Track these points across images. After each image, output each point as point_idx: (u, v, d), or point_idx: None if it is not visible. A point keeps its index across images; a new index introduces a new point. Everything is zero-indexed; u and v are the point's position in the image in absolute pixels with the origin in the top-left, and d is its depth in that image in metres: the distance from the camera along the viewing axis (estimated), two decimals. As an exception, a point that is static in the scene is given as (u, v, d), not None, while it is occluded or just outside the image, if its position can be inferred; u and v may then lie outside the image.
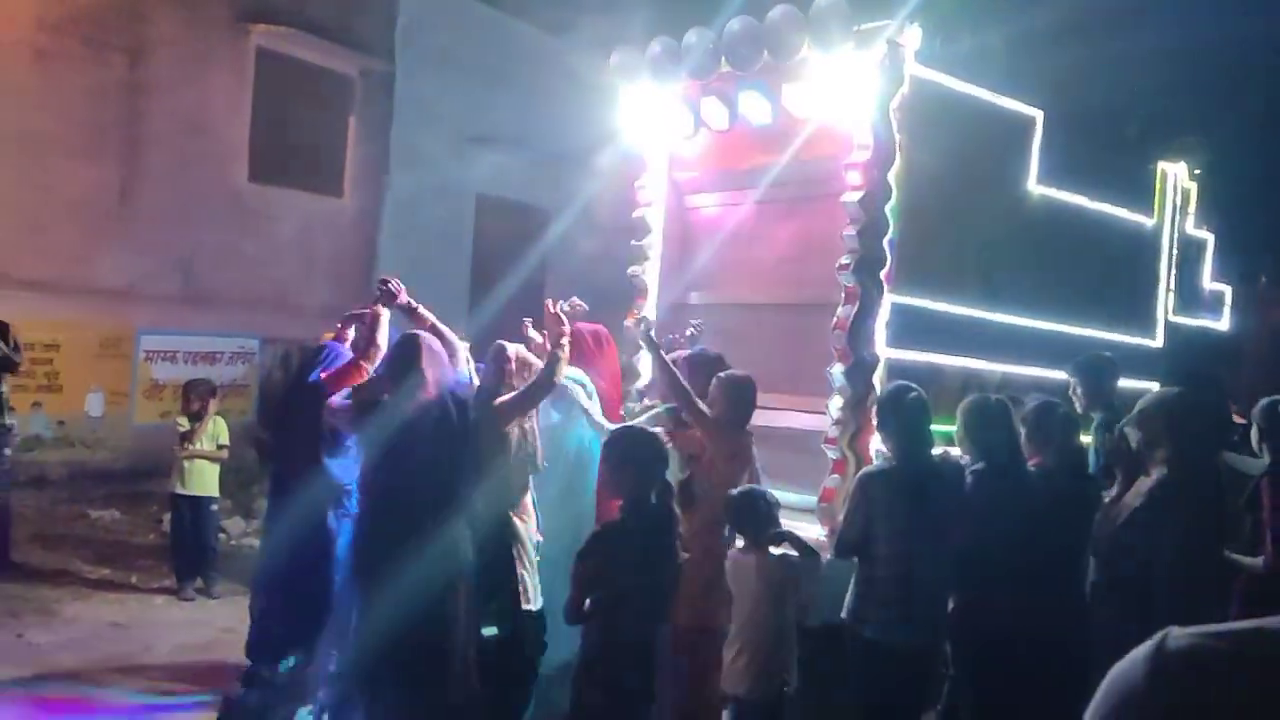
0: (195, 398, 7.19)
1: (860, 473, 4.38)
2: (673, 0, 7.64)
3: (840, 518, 4.43)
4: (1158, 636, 0.60)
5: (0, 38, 9.53)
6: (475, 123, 13.09)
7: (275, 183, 11.84)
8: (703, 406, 4.58)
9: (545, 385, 4.52)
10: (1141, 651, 0.60)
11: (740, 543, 4.23)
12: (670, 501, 3.84)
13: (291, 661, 4.99)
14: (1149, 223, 7.24)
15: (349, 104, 12.68)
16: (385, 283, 4.87)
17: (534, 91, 13.15)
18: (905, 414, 4.16)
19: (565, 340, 4.61)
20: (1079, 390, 5.38)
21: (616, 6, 10.57)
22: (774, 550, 4.18)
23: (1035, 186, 6.27)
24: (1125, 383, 6.64)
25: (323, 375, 4.83)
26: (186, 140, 10.87)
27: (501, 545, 4.40)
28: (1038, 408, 4.51)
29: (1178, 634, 0.60)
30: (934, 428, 4.37)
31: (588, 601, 3.69)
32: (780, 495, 4.65)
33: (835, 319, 5.30)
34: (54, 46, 9.86)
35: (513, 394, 4.52)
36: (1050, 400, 4.67)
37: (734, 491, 4.25)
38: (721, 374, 4.75)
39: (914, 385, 4.33)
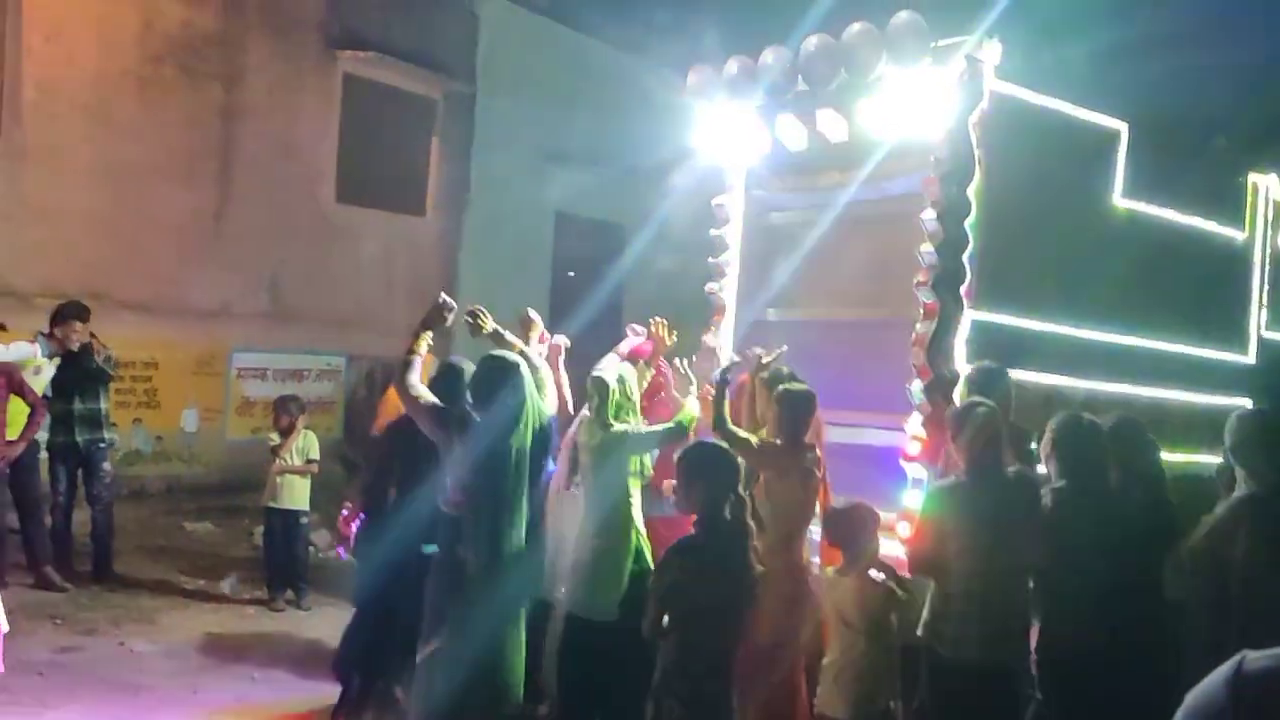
0: (285, 414, 7.41)
1: (931, 487, 4.35)
2: (748, 19, 7.68)
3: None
4: (1235, 659, 0.60)
5: (105, 68, 9.97)
6: (554, 142, 13.27)
7: (360, 203, 12.16)
8: (743, 434, 4.57)
9: (678, 435, 4.72)
10: (1220, 675, 0.59)
11: (816, 559, 4.22)
12: (744, 515, 3.84)
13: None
14: (1240, 236, 7.05)
15: (432, 125, 12.96)
16: (473, 314, 4.95)
17: (611, 110, 13.29)
18: (976, 426, 4.11)
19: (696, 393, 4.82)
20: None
21: (692, 26, 10.65)
22: (874, 575, 4.12)
23: (1120, 200, 6.15)
24: (1216, 399, 6.48)
25: None
26: (277, 163, 11.24)
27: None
28: (1118, 425, 4.44)
29: (1254, 656, 0.59)
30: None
31: (665, 617, 3.72)
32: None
33: (914, 335, 5.27)
34: (154, 76, 10.28)
35: (647, 430, 4.75)
36: (1129, 418, 4.59)
37: (838, 505, 4.24)
38: (779, 388, 4.76)
39: (985, 400, 4.30)
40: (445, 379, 4.71)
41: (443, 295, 4.57)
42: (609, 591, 4.61)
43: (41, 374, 7.23)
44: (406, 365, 4.36)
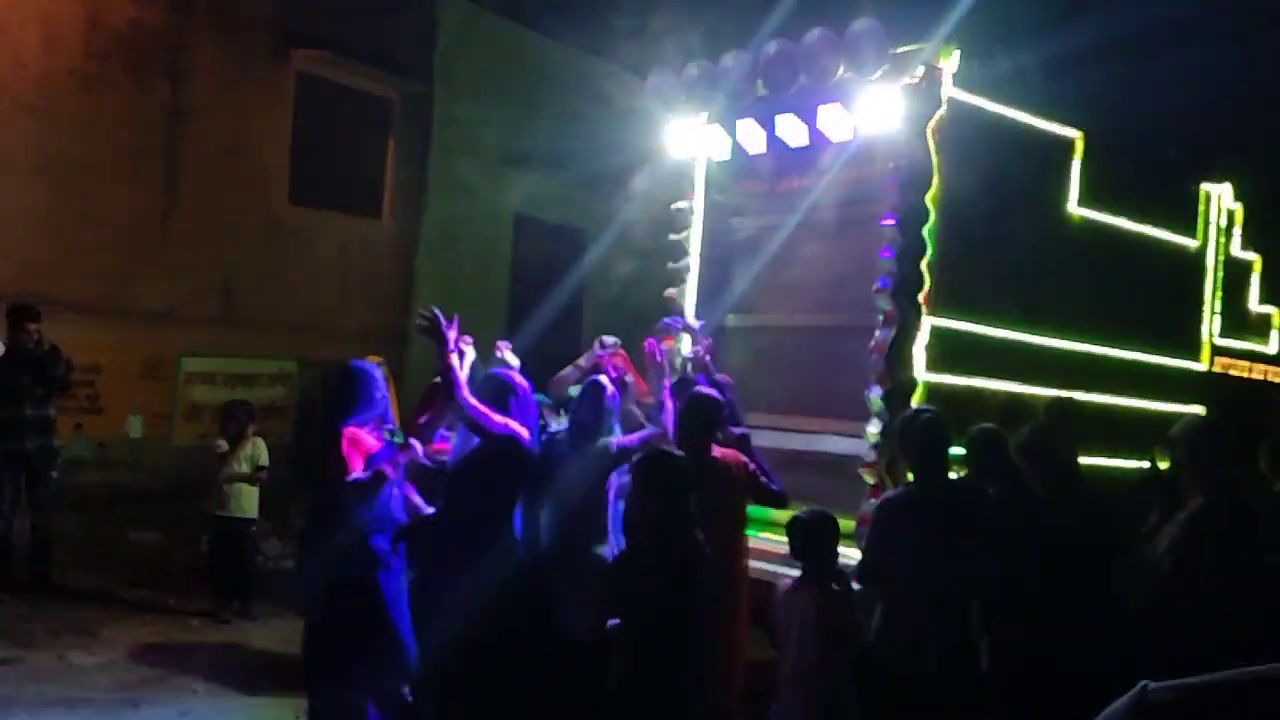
0: (235, 420, 7.26)
1: (881, 498, 4.34)
2: (709, 24, 7.65)
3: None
4: (1137, 689, 0.60)
5: (49, 66, 9.73)
6: (513, 144, 13.16)
7: (314, 205, 11.96)
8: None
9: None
10: (1123, 705, 0.60)
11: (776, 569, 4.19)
12: (687, 526, 3.79)
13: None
14: (1193, 244, 7.13)
15: (388, 126, 12.80)
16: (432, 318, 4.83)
17: (571, 113, 13.22)
18: (919, 437, 4.11)
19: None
20: None
21: (653, 30, 10.61)
22: (836, 588, 4.10)
23: (1076, 208, 6.19)
24: (1169, 406, 6.54)
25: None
26: (227, 164, 11.02)
27: None
28: (1030, 437, 4.47)
29: (1156, 688, 0.61)
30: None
31: (610, 624, 3.72)
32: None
33: (873, 342, 5.26)
34: (98, 73, 10.05)
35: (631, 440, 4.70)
36: (1038, 427, 4.63)
37: (802, 514, 4.19)
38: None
39: (929, 408, 4.31)
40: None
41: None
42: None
43: None
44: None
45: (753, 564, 4.82)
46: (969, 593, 4.05)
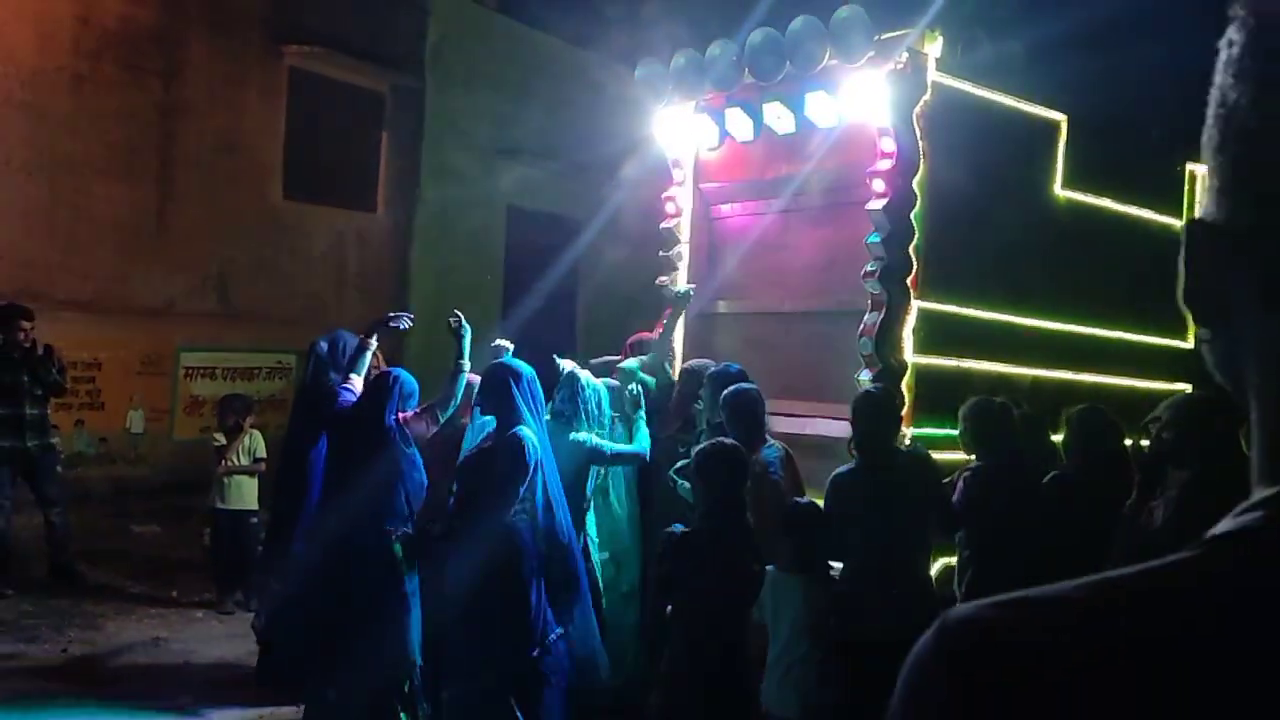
0: (231, 413, 7.32)
1: (832, 475, 4.43)
2: (696, 13, 7.70)
3: None
4: (938, 621, 0.60)
5: (41, 64, 9.75)
6: (504, 136, 13.21)
7: (309, 199, 12.01)
8: None
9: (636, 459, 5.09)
10: (926, 637, 0.60)
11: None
12: (738, 515, 3.93)
13: None
14: (1178, 224, 7.17)
15: (380, 120, 12.83)
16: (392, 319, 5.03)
17: (561, 104, 13.26)
18: (864, 411, 4.31)
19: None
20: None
21: (641, 20, 10.65)
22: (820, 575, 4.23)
23: (1061, 190, 6.25)
24: (1157, 384, 6.61)
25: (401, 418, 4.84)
26: (221, 160, 11.07)
27: None
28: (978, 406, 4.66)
29: (954, 610, 0.60)
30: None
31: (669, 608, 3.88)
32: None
33: (862, 326, 5.33)
34: (91, 71, 10.08)
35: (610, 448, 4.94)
36: (987, 400, 4.76)
37: (798, 502, 4.31)
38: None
39: (877, 384, 4.57)
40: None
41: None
42: None
43: None
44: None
45: None
46: (921, 558, 4.26)
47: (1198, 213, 0.65)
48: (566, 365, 5.19)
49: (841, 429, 5.49)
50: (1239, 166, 0.62)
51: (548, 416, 4.82)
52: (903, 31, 5.35)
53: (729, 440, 4.20)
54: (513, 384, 4.37)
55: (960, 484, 4.54)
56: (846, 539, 4.18)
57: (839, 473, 4.37)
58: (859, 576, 4.12)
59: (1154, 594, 0.57)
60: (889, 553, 4.11)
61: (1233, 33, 0.62)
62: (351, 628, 4.27)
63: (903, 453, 4.44)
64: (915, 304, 5.40)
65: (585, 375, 5.09)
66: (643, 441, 5.08)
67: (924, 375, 5.43)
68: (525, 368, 4.52)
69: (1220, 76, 0.62)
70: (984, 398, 4.76)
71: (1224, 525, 0.59)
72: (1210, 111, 0.63)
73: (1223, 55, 0.62)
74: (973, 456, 4.65)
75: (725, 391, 4.83)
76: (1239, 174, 0.62)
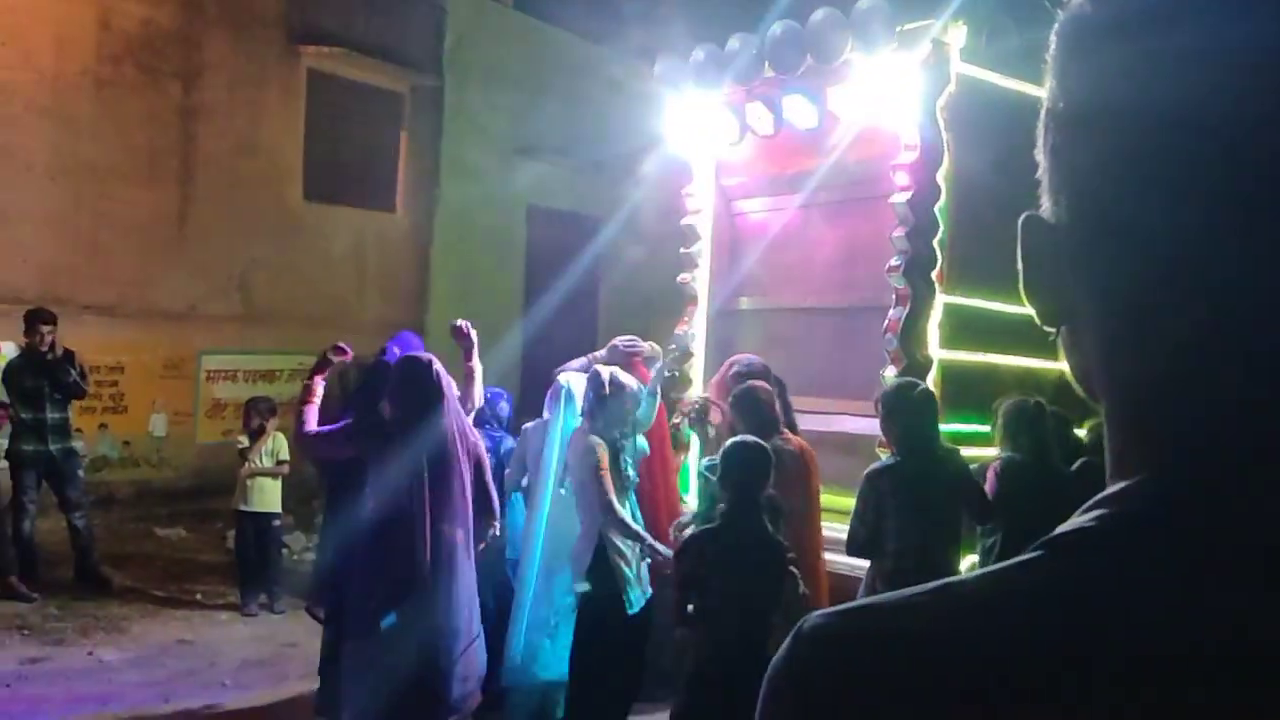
0: (255, 415, 7.32)
1: (868, 469, 4.37)
2: (715, 7, 7.63)
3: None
4: (799, 624, 0.62)
5: (62, 69, 9.80)
6: (523, 134, 13.18)
7: (329, 200, 12.02)
8: None
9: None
10: (784, 645, 0.61)
11: None
12: (758, 512, 3.89)
13: None
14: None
15: (399, 120, 12.83)
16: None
17: (580, 101, 13.22)
18: (906, 407, 4.25)
19: None
20: None
21: (659, 15, 10.59)
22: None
23: (1089, 180, 6.15)
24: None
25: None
26: (241, 162, 11.09)
27: None
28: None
29: (812, 616, 0.61)
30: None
31: (689, 606, 3.84)
32: (834, 500, 4.66)
33: (887, 321, 5.26)
34: (112, 75, 10.12)
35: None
36: (1023, 399, 4.80)
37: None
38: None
39: (918, 380, 4.50)
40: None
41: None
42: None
43: None
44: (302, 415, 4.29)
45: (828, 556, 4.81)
46: (953, 556, 4.23)
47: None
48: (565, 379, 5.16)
49: (866, 426, 5.43)
50: (1057, 162, 0.63)
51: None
52: (926, 22, 5.27)
53: (751, 438, 4.15)
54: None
55: (991, 475, 4.54)
56: (883, 534, 4.13)
57: (876, 468, 4.32)
58: (897, 572, 4.06)
59: (992, 600, 0.58)
60: (925, 549, 4.08)
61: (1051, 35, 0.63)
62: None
63: (938, 450, 4.38)
64: (940, 298, 5.32)
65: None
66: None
67: (949, 370, 5.36)
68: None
69: (1048, 73, 0.63)
70: (1021, 398, 4.73)
71: (1064, 526, 0.59)
72: (1043, 108, 0.64)
73: (1047, 57, 0.64)
74: (1004, 451, 4.64)
75: (733, 391, 4.78)
76: (1059, 171, 0.63)
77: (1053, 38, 0.63)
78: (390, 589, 3.94)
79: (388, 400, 4.18)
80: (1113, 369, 0.60)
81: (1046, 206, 0.64)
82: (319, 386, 4.38)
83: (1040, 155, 0.64)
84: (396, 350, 5.17)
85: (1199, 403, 0.56)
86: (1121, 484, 0.59)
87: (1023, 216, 0.65)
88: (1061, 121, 0.62)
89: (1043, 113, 0.64)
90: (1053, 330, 0.65)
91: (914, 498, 4.10)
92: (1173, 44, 0.55)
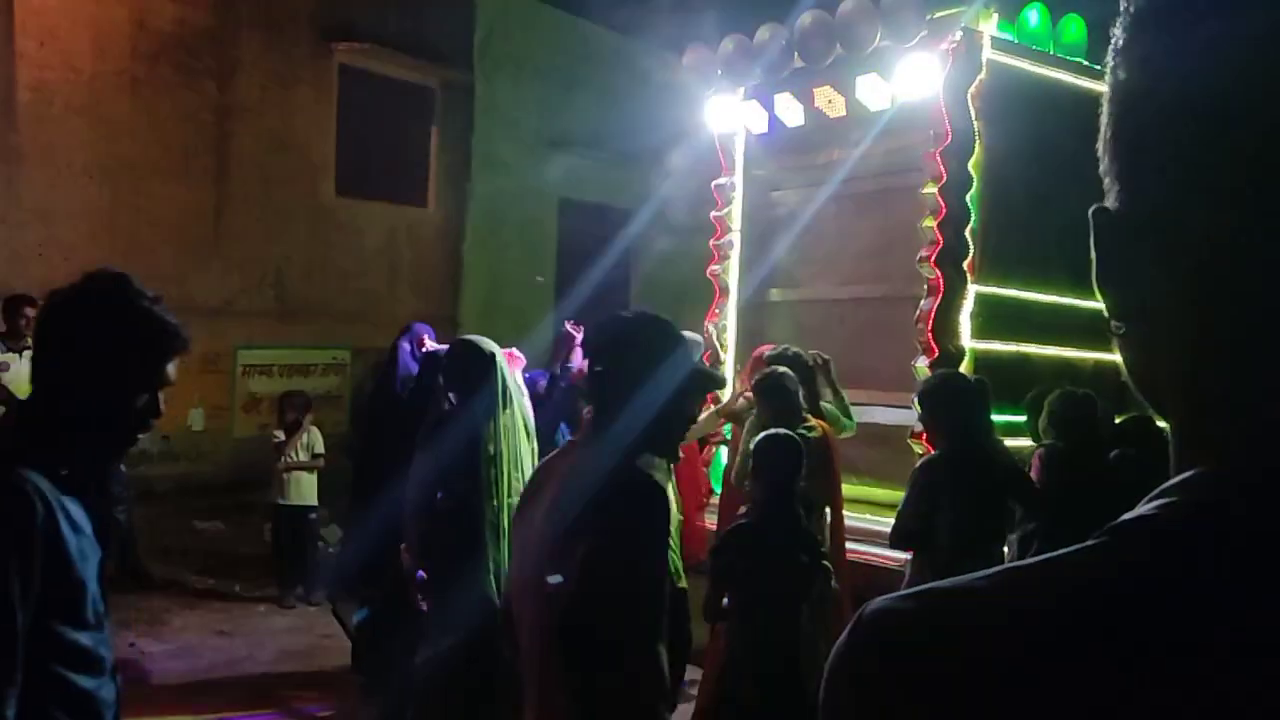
0: (291, 409, 7.41)
1: (920, 461, 4.35)
2: (744, -3, 7.59)
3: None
4: (856, 615, 0.61)
5: (99, 69, 9.93)
6: (553, 127, 13.20)
7: (361, 196, 12.10)
8: None
9: None
10: (848, 633, 0.61)
11: None
12: (792, 506, 3.88)
13: None
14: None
15: (430, 115, 12.89)
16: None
17: (610, 93, 13.21)
18: (965, 400, 4.22)
19: None
20: None
21: (688, 6, 10.56)
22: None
23: (1124, 168, 6.08)
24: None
25: None
26: (274, 158, 11.19)
27: None
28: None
29: (872, 603, 0.61)
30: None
31: (725, 600, 3.84)
32: (866, 490, 4.64)
33: (918, 312, 5.23)
34: (148, 75, 10.24)
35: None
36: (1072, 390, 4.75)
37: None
38: None
39: (962, 375, 4.53)
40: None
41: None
42: None
43: (11, 370, 6.88)
44: None
45: (851, 546, 4.82)
46: (999, 549, 4.22)
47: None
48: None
49: (898, 416, 5.42)
50: (1133, 148, 0.61)
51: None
52: (956, 9, 5.24)
53: (783, 431, 4.14)
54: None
55: (1037, 463, 4.54)
56: (935, 525, 4.11)
57: (930, 459, 4.31)
58: (949, 563, 4.04)
59: (1064, 585, 0.58)
60: (974, 540, 4.04)
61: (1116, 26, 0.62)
62: None
63: (988, 443, 4.36)
64: (972, 288, 5.29)
65: None
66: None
67: (982, 361, 5.32)
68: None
69: (1110, 63, 0.62)
70: (1069, 389, 4.76)
71: (1131, 514, 0.59)
72: (1105, 99, 0.63)
73: (1111, 46, 0.62)
74: (1048, 441, 4.62)
75: (755, 376, 4.76)
76: (1137, 156, 0.61)
77: (1120, 26, 0.61)
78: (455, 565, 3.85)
79: (446, 385, 4.03)
80: (1187, 359, 0.60)
81: (1116, 196, 0.63)
82: None
83: (1104, 144, 0.63)
84: (406, 346, 5.21)
85: (1269, 391, 0.55)
86: (1188, 473, 0.58)
87: (1092, 209, 0.64)
88: (1132, 103, 0.60)
89: (1110, 101, 0.62)
90: (1121, 325, 0.64)
91: (969, 489, 4.06)
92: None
